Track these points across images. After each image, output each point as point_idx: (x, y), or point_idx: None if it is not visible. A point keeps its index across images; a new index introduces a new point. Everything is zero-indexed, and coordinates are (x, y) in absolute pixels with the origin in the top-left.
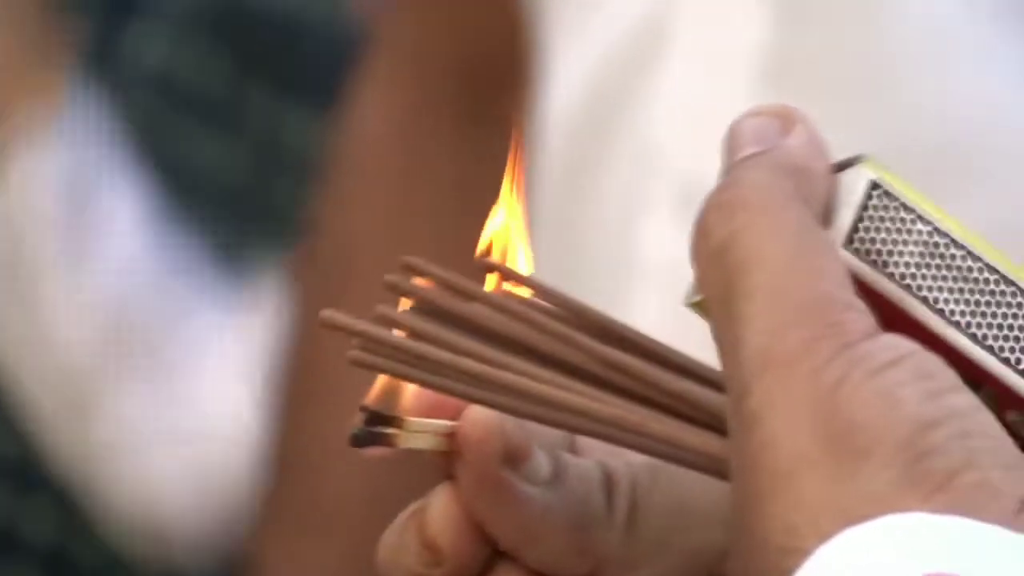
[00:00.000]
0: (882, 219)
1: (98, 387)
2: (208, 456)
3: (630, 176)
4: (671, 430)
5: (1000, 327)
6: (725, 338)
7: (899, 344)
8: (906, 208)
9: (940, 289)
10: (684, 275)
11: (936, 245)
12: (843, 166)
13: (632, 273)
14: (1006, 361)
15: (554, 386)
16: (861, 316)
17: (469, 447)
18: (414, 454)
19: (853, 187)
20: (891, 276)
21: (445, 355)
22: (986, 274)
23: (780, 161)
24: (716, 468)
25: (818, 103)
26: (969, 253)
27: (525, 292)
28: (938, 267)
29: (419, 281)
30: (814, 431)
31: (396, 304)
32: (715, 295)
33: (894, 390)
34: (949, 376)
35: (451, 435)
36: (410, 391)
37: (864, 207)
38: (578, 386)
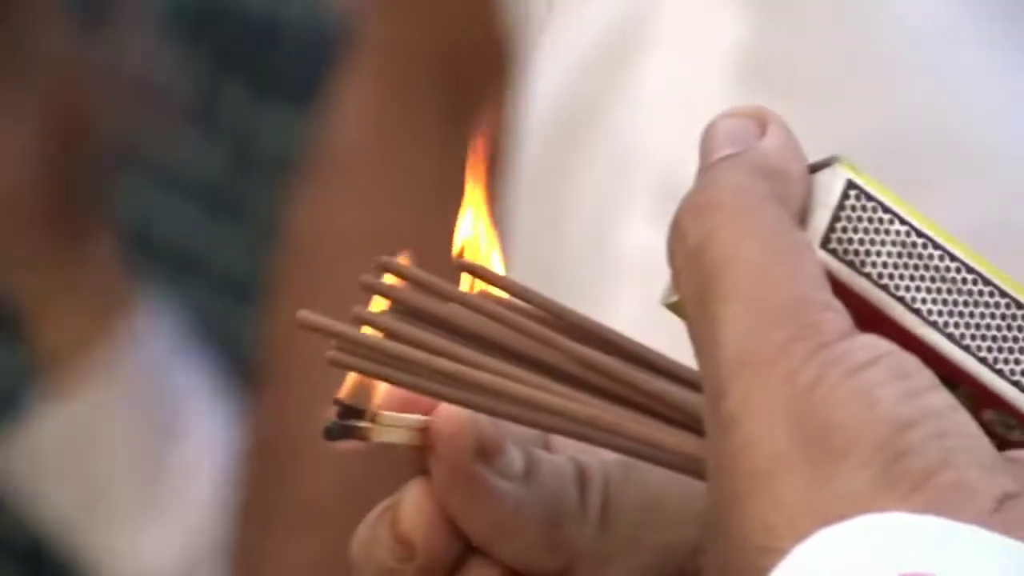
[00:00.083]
0: (859, 219)
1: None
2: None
3: (609, 174)
4: (648, 430)
5: (977, 327)
6: (702, 339)
7: (876, 344)
8: (883, 208)
9: (917, 289)
10: (662, 273)
11: (913, 245)
12: (818, 167)
13: (611, 271)
14: (983, 361)
15: (530, 386)
16: (837, 316)
17: (442, 442)
18: (392, 449)
19: (829, 188)
20: (868, 276)
21: (421, 355)
22: (963, 274)
23: (755, 162)
24: (693, 468)
25: (797, 103)
26: (946, 253)
27: (501, 292)
28: (915, 267)
29: (395, 281)
30: (791, 432)
31: (373, 304)
32: (691, 296)
33: (871, 390)
34: (926, 376)
35: (424, 430)
36: (383, 386)
37: (840, 207)
38: (554, 386)
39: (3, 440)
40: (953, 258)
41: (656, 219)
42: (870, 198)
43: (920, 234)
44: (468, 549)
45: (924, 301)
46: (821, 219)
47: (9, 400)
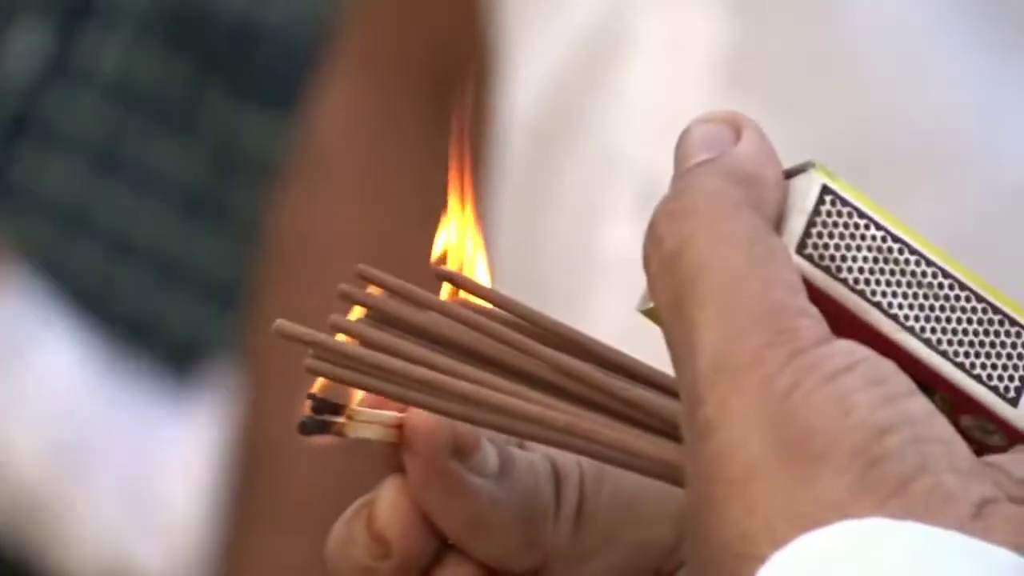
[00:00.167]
0: (834, 225)
1: (50, 487)
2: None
3: (591, 176)
4: (626, 437)
5: (954, 332)
6: (678, 346)
7: (852, 350)
8: (858, 213)
9: (894, 294)
10: (644, 275)
11: (889, 250)
12: (793, 172)
13: (593, 272)
14: (960, 366)
15: (508, 394)
16: (813, 322)
17: (417, 438)
18: (375, 448)
19: (805, 193)
20: (844, 282)
21: (399, 363)
22: (940, 279)
23: (730, 168)
24: (671, 475)
25: (779, 106)
26: (922, 258)
27: (479, 300)
28: (891, 272)
29: (372, 290)
30: (768, 438)
31: (352, 312)
32: (667, 302)
33: (847, 396)
34: (903, 381)
35: (399, 426)
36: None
37: (816, 213)
38: (532, 394)
39: None
40: (929, 263)
41: (638, 221)
42: (845, 203)
43: (896, 239)
44: (444, 547)
45: (900, 306)
46: (796, 224)
47: None
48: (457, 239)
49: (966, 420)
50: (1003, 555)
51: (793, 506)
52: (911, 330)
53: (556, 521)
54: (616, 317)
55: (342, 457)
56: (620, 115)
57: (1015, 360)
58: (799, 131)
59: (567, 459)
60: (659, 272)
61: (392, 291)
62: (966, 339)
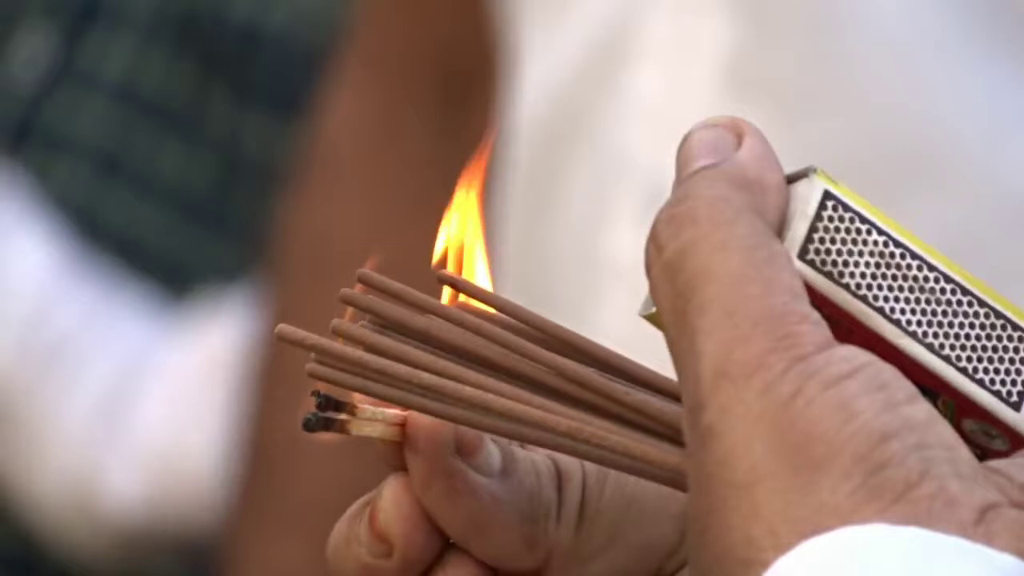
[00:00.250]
0: (836, 230)
1: (18, 394)
2: (163, 476)
3: (597, 179)
4: (629, 442)
5: (957, 336)
6: (680, 351)
7: (854, 355)
8: (860, 219)
9: (896, 299)
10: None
11: (891, 255)
12: (795, 178)
13: (599, 276)
14: (963, 370)
15: (510, 398)
16: (815, 328)
17: (420, 436)
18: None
19: (807, 198)
20: (846, 287)
21: (401, 368)
22: (942, 284)
23: (732, 174)
24: (675, 480)
25: (784, 111)
26: (924, 263)
27: (482, 305)
28: (893, 277)
29: (375, 294)
30: (770, 444)
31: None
32: (668, 308)
33: (850, 402)
34: (905, 387)
35: (402, 424)
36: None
37: (818, 218)
38: (535, 398)
39: None
40: (931, 268)
41: (644, 226)
42: (847, 209)
43: (898, 244)
44: (446, 546)
45: (903, 311)
46: (799, 230)
47: None
48: (460, 243)
49: (969, 424)
50: (1006, 560)
51: (796, 512)
52: (913, 335)
53: (558, 521)
54: (621, 321)
55: (348, 460)
56: (627, 119)
57: (1017, 364)
58: (803, 136)
59: (569, 459)
60: (661, 278)
61: (394, 295)
62: (968, 344)
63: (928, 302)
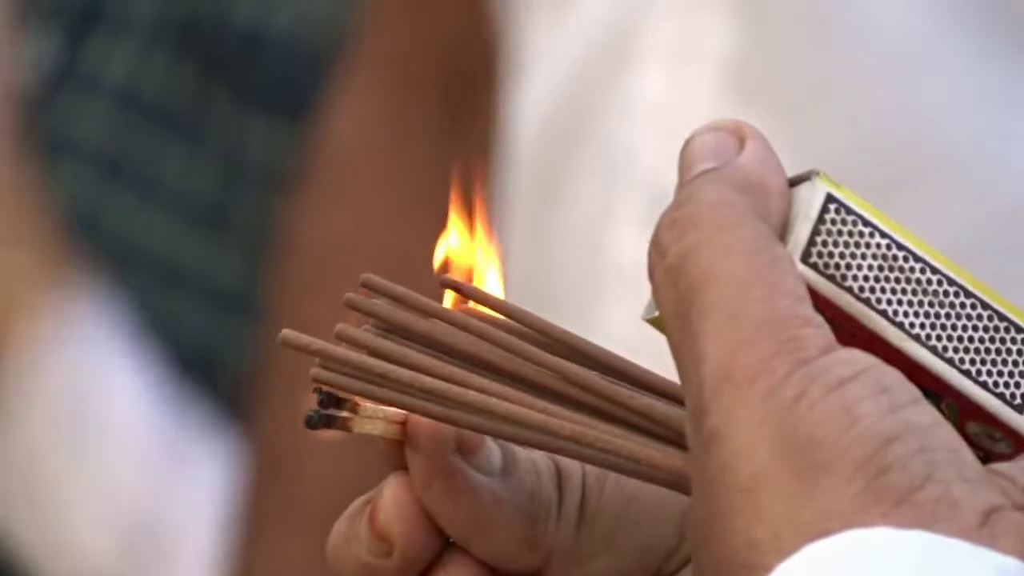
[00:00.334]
0: (839, 233)
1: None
2: None
3: (601, 182)
4: (633, 446)
5: (960, 339)
6: (683, 355)
7: (857, 358)
8: (863, 221)
9: (899, 302)
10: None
11: (894, 258)
12: (797, 181)
13: (603, 278)
14: (966, 373)
15: (514, 402)
16: (818, 331)
17: (421, 435)
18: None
19: (809, 201)
20: (849, 290)
21: (404, 373)
22: (945, 286)
23: (734, 177)
24: (678, 483)
25: (786, 113)
26: (927, 265)
27: (485, 309)
28: (896, 280)
29: (378, 298)
30: (774, 448)
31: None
32: (671, 312)
33: (853, 405)
34: (908, 390)
35: (403, 422)
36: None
37: (820, 221)
38: (538, 402)
39: None
40: (934, 271)
41: (647, 229)
42: (850, 211)
43: (901, 247)
44: (446, 545)
45: (906, 314)
46: (801, 233)
47: None
48: (466, 246)
49: (972, 427)
50: (1010, 563)
51: (799, 515)
52: (917, 338)
53: (558, 520)
54: (624, 324)
55: (355, 462)
56: (630, 120)
57: (1021, 367)
58: (805, 139)
59: (570, 460)
60: (663, 281)
61: (398, 300)
62: (972, 346)
63: (931, 305)
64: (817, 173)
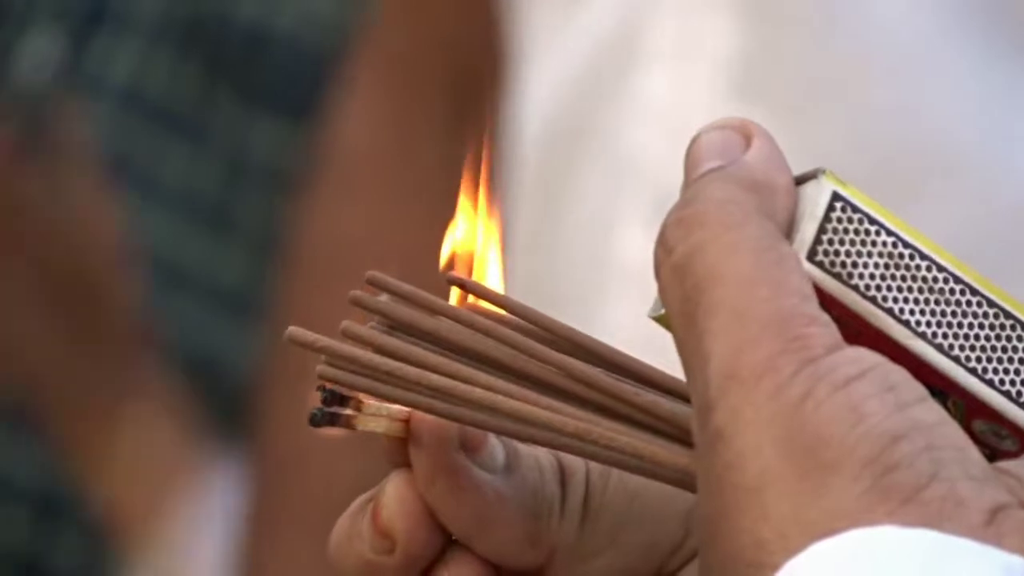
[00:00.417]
0: (845, 231)
1: None
2: None
3: (606, 180)
4: (638, 443)
5: (966, 337)
6: (689, 353)
7: (863, 357)
8: (869, 220)
9: (905, 300)
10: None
11: (900, 256)
12: (803, 179)
13: (609, 278)
14: (972, 371)
15: (520, 400)
16: (825, 330)
17: (424, 432)
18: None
19: (815, 200)
20: (855, 288)
21: (410, 370)
22: (951, 284)
23: (740, 175)
24: (684, 481)
25: (789, 113)
26: (933, 263)
27: (491, 306)
28: (903, 278)
29: (384, 296)
30: (780, 446)
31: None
32: (677, 310)
33: (859, 403)
34: (915, 388)
35: (407, 420)
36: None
37: (827, 219)
38: (544, 399)
39: None
40: (940, 268)
41: (653, 228)
42: (856, 210)
43: (907, 245)
44: (449, 542)
45: (912, 312)
46: (807, 231)
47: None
48: (471, 243)
49: (979, 425)
50: (1016, 562)
51: (806, 514)
52: (923, 336)
53: (561, 517)
54: (630, 322)
55: (360, 460)
56: (634, 122)
57: None
58: (808, 139)
59: (573, 457)
60: (669, 280)
61: (403, 297)
62: (978, 344)
63: (937, 303)
64: (823, 171)
